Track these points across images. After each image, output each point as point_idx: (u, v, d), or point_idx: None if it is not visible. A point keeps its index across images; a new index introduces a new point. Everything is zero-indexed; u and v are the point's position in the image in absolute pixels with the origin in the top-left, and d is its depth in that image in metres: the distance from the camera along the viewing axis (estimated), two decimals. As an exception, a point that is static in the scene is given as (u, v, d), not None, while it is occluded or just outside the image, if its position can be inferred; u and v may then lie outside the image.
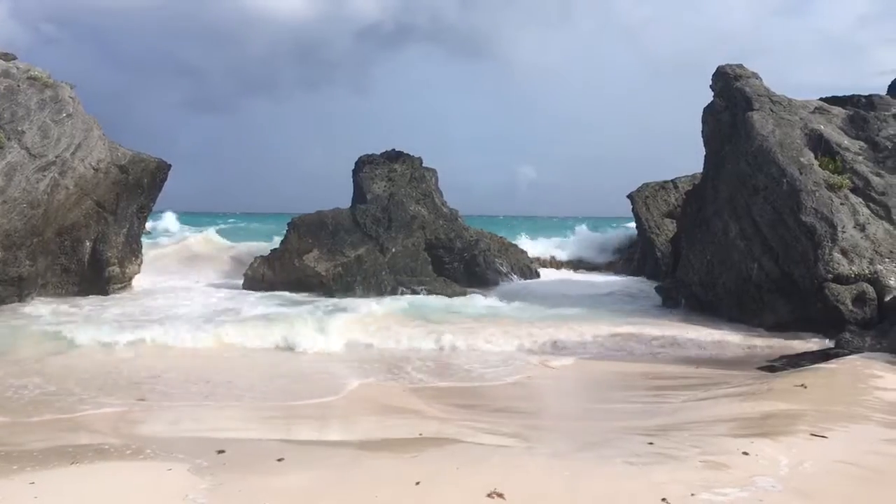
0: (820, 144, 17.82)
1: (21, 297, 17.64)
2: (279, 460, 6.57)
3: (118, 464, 6.67)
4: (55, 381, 10.65)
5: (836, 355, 12.56)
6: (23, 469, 6.35)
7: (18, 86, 18.99)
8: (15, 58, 19.99)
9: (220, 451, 6.88)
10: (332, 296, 21.45)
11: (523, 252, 31.03)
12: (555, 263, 34.00)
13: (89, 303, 18.47)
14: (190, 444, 7.26)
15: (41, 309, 16.96)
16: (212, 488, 5.82)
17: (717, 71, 21.07)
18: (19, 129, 18.28)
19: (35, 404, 9.39)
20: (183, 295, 20.86)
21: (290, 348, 13.94)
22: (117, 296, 19.87)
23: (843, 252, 15.47)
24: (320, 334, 14.61)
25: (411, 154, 26.69)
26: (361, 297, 21.52)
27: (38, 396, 9.81)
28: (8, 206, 17.45)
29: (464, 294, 22.07)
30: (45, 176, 18.39)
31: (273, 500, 5.54)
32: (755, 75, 20.46)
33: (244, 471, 6.26)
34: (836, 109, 19.50)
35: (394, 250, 23.50)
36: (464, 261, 25.41)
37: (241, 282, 23.66)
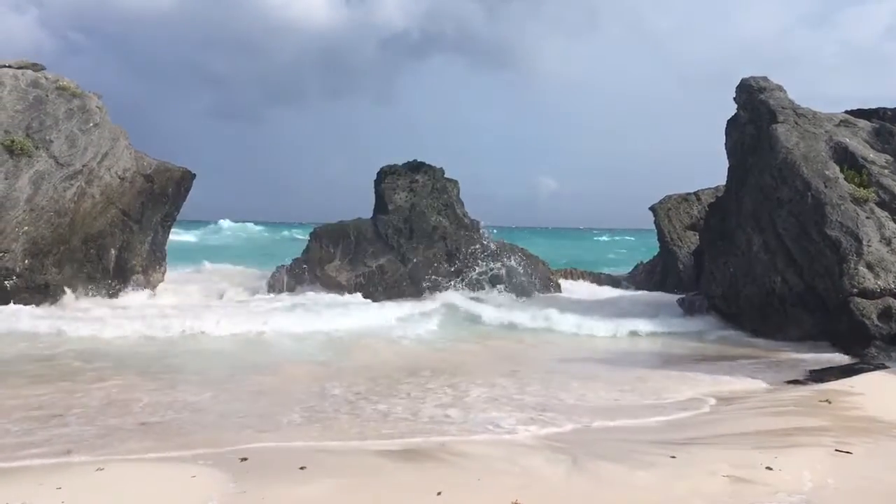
0: (845, 157, 17.69)
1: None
2: (301, 468, 6.61)
3: (143, 470, 6.73)
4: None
5: (861, 370, 12.46)
6: (49, 474, 6.43)
7: (47, 96, 19.31)
8: (43, 68, 20.33)
9: (243, 459, 6.93)
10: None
11: (544, 263, 30.96)
12: (575, 275, 33.87)
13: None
14: (214, 451, 7.31)
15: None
16: (236, 495, 5.87)
17: (740, 83, 20.99)
18: (47, 138, 18.59)
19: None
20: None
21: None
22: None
23: (869, 266, 15.33)
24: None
25: (433, 164, 26.75)
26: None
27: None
28: (35, 214, 17.73)
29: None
30: (71, 185, 18.66)
31: (296, 508, 5.59)
32: (779, 87, 20.36)
33: (267, 478, 6.31)
34: (862, 122, 19.35)
35: (415, 260, 23.56)
36: (485, 272, 25.41)
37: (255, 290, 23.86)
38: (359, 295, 22.19)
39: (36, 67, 20.10)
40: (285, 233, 63.66)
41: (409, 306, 20.05)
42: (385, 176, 25.96)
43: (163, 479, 6.44)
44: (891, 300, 14.89)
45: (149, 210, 21.06)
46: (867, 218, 16.17)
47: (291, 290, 23.08)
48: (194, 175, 22.60)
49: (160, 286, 21.89)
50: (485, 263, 25.24)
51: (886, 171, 17.43)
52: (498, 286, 25.22)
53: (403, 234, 23.99)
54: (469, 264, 24.81)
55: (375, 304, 21.16)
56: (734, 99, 21.12)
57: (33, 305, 17.33)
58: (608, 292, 29.23)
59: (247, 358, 13.78)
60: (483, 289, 24.54)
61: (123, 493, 6.02)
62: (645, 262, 34.51)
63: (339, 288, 22.41)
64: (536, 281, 27.27)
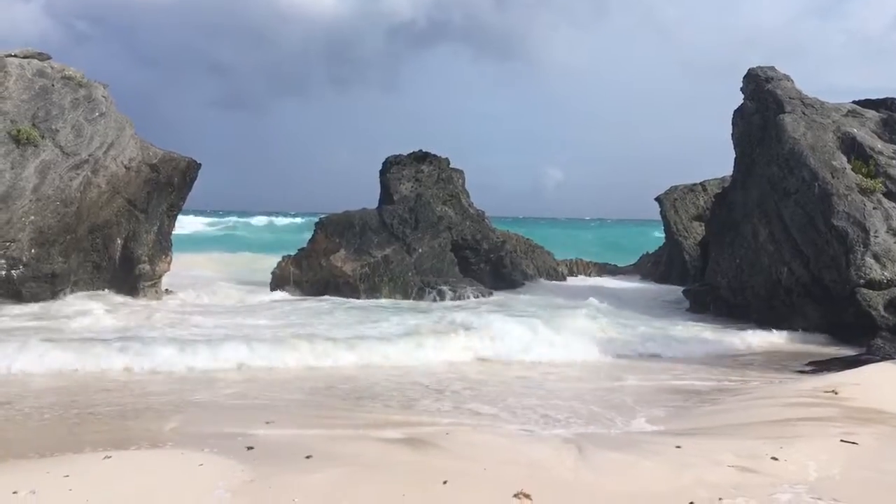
0: (853, 148, 17.61)
1: (54, 295, 17.91)
2: (307, 457, 6.62)
3: (150, 459, 6.76)
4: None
5: (868, 361, 12.42)
6: (58, 462, 6.46)
7: (53, 85, 19.29)
8: (49, 57, 20.30)
9: (250, 448, 6.95)
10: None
11: (549, 254, 30.97)
12: (580, 265, 33.89)
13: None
14: (220, 440, 7.34)
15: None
16: (242, 484, 5.88)
17: (747, 73, 20.90)
18: (53, 127, 18.60)
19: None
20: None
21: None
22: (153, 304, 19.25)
23: (876, 257, 15.29)
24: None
25: (438, 154, 26.74)
26: (387, 297, 21.72)
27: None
28: (41, 204, 17.76)
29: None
30: (78, 174, 18.69)
31: (302, 496, 5.59)
32: (787, 77, 20.27)
33: (273, 467, 6.32)
34: (870, 112, 19.25)
35: (420, 251, 23.56)
36: (490, 262, 25.44)
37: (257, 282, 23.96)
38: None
39: (42, 57, 20.07)
40: (291, 221, 63.93)
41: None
42: (390, 166, 25.95)
43: (169, 468, 6.46)
44: (897, 291, 14.85)
45: (154, 199, 21.06)
46: (874, 208, 16.11)
47: (297, 284, 23.10)
48: (200, 165, 22.60)
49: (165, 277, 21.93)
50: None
51: (894, 161, 17.34)
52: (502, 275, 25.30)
53: (409, 225, 23.99)
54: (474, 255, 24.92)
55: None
56: (741, 89, 21.03)
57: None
58: (613, 283, 29.26)
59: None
60: (486, 281, 24.60)
61: (130, 482, 6.04)
62: (651, 252, 34.51)
63: (344, 278, 22.44)
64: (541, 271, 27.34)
